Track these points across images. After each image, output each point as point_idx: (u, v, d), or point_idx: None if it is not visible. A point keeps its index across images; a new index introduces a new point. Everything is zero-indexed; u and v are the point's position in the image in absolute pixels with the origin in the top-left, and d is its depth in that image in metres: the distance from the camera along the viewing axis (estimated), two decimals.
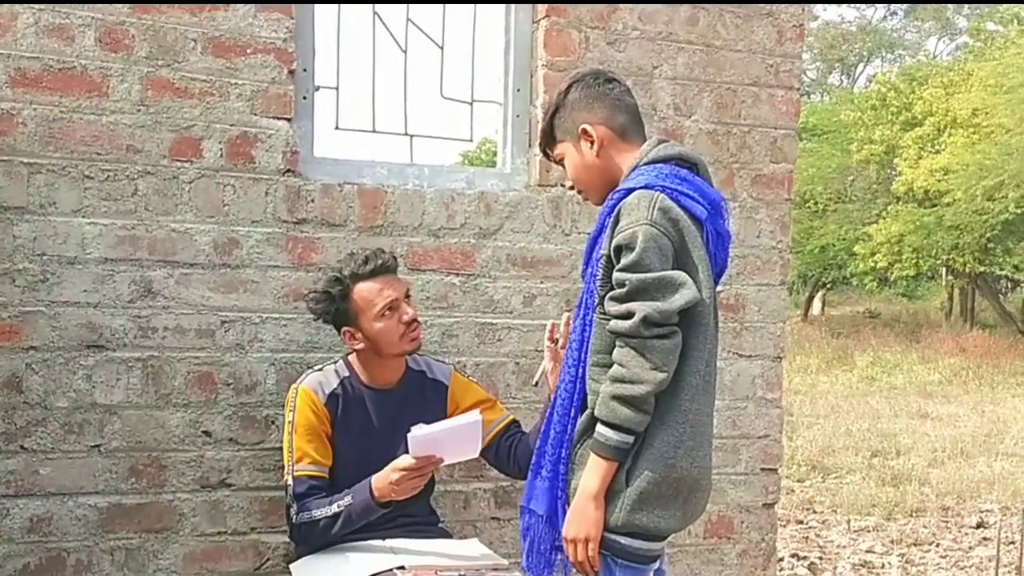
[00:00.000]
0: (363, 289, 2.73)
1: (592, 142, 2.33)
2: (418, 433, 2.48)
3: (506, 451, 2.87)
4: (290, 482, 2.71)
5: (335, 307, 2.74)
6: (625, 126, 2.36)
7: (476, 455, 2.65)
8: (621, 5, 3.29)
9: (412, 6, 3.22)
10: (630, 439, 2.14)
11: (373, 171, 3.16)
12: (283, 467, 2.75)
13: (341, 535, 2.67)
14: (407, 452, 2.56)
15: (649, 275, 2.10)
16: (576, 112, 2.35)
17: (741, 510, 3.58)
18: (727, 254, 2.38)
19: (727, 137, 3.47)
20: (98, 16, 2.79)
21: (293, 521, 2.70)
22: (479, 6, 3.29)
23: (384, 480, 2.58)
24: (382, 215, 3.10)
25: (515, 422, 2.93)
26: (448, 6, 3.26)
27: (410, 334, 2.76)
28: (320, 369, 2.83)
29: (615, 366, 2.13)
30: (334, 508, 2.64)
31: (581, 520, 2.19)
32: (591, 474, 2.18)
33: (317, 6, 3.08)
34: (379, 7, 3.20)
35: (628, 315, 2.10)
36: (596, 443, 2.16)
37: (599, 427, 2.15)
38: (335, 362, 2.85)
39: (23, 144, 2.75)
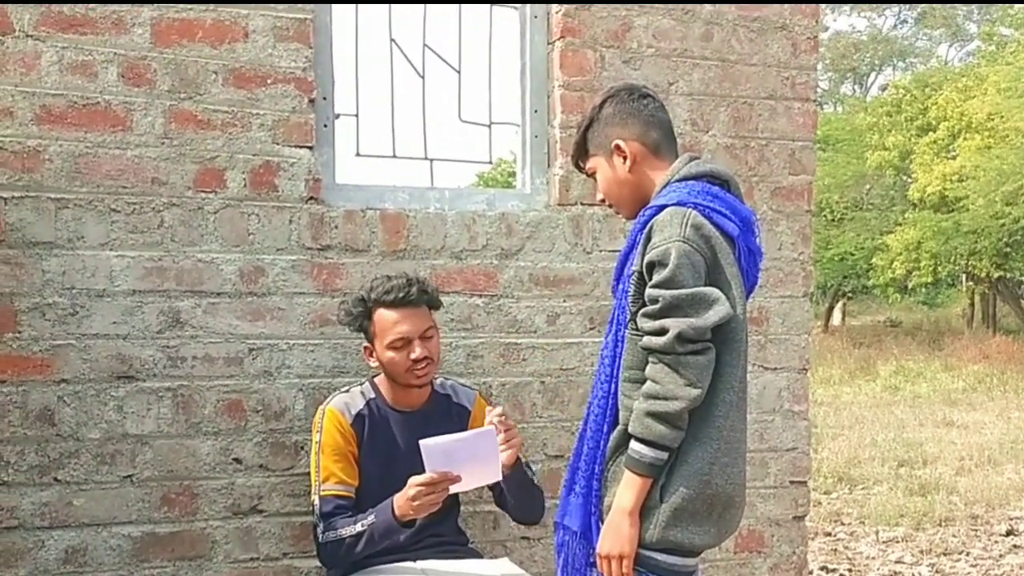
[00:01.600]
0: (381, 316, 2.75)
1: (625, 157, 2.35)
2: (430, 441, 2.49)
3: (500, 491, 2.86)
4: (316, 502, 2.73)
5: (359, 323, 2.80)
6: (658, 142, 2.37)
7: (498, 477, 2.63)
8: (636, 23, 3.31)
9: (428, 32, 3.26)
10: (664, 455, 2.15)
11: (395, 196, 3.18)
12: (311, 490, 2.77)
13: (365, 555, 2.68)
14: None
15: (683, 291, 2.11)
16: (610, 127, 2.37)
17: (771, 524, 3.57)
18: (758, 270, 2.40)
19: (745, 151, 3.49)
20: (120, 52, 2.84)
21: (319, 540, 2.72)
22: (495, 30, 3.32)
23: (403, 497, 2.59)
24: (405, 239, 3.13)
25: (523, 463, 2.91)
26: (464, 31, 3.28)
27: (416, 370, 2.75)
28: (347, 391, 2.85)
29: (649, 383, 2.14)
30: (358, 527, 2.65)
31: (615, 536, 2.19)
32: (626, 490, 2.18)
33: (335, 36, 3.11)
34: (396, 33, 3.23)
35: (662, 331, 2.11)
36: (630, 459, 2.17)
37: (633, 443, 2.16)
38: (361, 384, 2.88)
39: (50, 180, 2.79)
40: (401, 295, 2.74)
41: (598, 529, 2.27)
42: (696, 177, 2.28)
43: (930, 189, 21.24)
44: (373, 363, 2.81)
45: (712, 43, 3.42)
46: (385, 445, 2.80)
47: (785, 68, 3.52)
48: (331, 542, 2.68)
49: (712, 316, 2.11)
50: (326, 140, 3.10)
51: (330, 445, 2.75)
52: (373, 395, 2.84)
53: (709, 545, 2.26)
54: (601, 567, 2.23)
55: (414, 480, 2.56)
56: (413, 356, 2.73)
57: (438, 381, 2.91)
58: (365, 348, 2.82)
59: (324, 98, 3.09)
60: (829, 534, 6.86)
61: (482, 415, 2.90)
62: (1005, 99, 19.40)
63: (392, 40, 3.23)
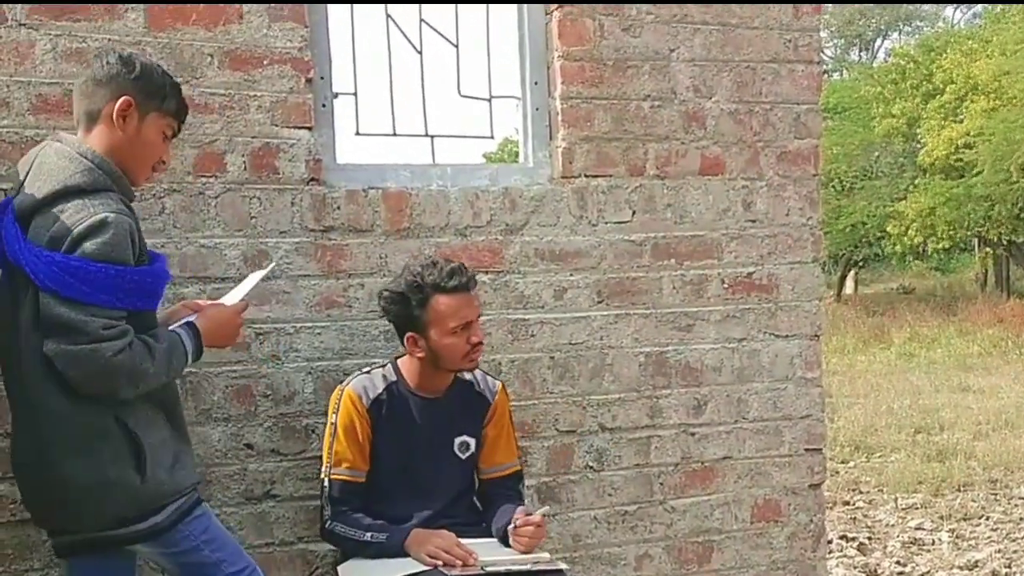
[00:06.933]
0: (442, 302, 2.71)
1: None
2: None
3: (485, 496, 2.94)
4: (326, 484, 2.76)
5: (408, 312, 2.74)
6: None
7: None
8: None
9: (425, 7, 3.21)
10: None
11: (396, 174, 3.15)
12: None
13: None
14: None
15: None
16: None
17: (787, 492, 3.54)
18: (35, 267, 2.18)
19: (749, 116, 3.44)
20: (114, 37, 2.80)
21: (326, 525, 2.76)
22: (491, 2, 3.28)
23: (422, 544, 2.67)
24: (408, 217, 3.10)
25: (517, 474, 2.96)
26: (461, 4, 3.24)
27: (472, 355, 2.77)
28: (367, 372, 2.84)
29: None
30: (367, 536, 2.71)
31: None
32: None
33: (331, 14, 3.08)
34: (392, 9, 3.19)
35: None
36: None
37: None
38: (383, 365, 2.86)
39: None
40: (464, 279, 2.73)
41: None
42: None
43: (938, 153, 21.10)
44: (419, 353, 2.76)
45: (712, 7, 3.37)
46: (403, 430, 2.80)
47: (787, 31, 3.47)
48: (337, 535, 2.75)
49: None
50: (325, 120, 3.07)
51: (345, 428, 2.75)
52: (395, 378, 2.83)
53: None
54: None
55: (444, 543, 2.65)
56: (473, 341, 2.74)
57: None
58: (409, 338, 2.76)
59: (322, 77, 3.06)
60: (848, 503, 6.84)
61: (504, 407, 2.94)
62: (1011, 60, 19.22)
63: (388, 16, 3.19)
